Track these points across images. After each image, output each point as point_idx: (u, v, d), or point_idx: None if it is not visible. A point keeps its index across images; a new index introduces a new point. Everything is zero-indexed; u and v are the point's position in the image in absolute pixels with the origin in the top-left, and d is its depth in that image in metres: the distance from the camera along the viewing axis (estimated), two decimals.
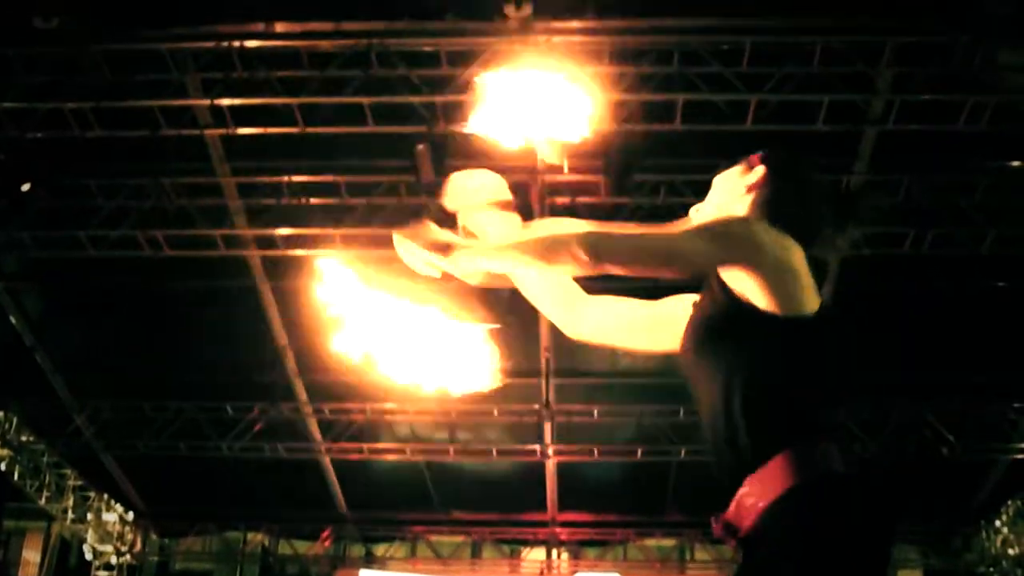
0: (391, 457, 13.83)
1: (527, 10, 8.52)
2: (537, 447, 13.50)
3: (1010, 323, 11.10)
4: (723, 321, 3.16)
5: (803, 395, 3.11)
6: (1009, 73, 8.89)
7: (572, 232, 3.23)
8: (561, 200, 10.14)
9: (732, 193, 3.35)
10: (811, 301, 3.13)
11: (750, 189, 3.30)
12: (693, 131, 9.50)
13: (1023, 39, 8.56)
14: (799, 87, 9.11)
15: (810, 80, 9.07)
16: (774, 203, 3.27)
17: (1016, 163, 9.82)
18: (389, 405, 13.21)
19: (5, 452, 13.43)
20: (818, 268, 3.34)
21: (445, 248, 3.29)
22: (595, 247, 3.15)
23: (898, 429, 12.39)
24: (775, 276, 3.08)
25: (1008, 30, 8.37)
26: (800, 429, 3.05)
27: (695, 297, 3.35)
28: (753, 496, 2.99)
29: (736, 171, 3.38)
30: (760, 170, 3.31)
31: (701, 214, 3.41)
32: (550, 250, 3.21)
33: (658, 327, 3.52)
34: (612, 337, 3.69)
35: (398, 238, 3.35)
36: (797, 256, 3.13)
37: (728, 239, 3.15)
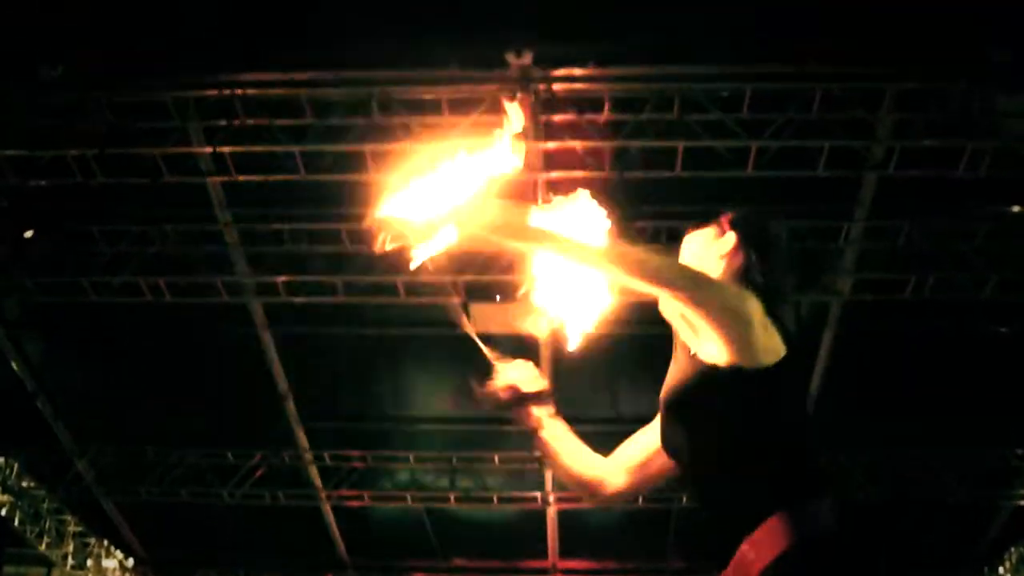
0: (392, 504, 13.81)
1: (528, 58, 8.56)
2: (538, 494, 13.47)
3: (1012, 368, 11.09)
4: (692, 387, 3.26)
5: (783, 447, 3.20)
6: (1008, 119, 8.93)
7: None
8: None
9: (705, 259, 3.48)
10: (772, 354, 3.21)
11: (722, 257, 3.40)
12: (694, 177, 9.53)
13: (1022, 86, 8.59)
14: (799, 133, 9.13)
15: (810, 126, 9.09)
16: (744, 270, 3.38)
17: (1016, 208, 9.84)
18: (390, 452, 13.21)
19: (6, 498, 13.42)
20: (797, 321, 3.43)
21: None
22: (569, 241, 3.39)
23: (900, 475, 12.36)
24: (730, 323, 3.19)
25: (1007, 77, 8.41)
26: (788, 484, 3.13)
27: None
28: (751, 555, 3.04)
29: (708, 234, 3.56)
30: (732, 238, 3.43)
31: None
32: (528, 230, 3.43)
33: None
34: (639, 486, 3.80)
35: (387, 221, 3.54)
36: (752, 305, 3.23)
37: (689, 273, 3.35)
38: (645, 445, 3.70)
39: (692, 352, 3.29)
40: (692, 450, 3.27)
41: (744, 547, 3.05)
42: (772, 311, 3.28)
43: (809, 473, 3.19)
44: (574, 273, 3.67)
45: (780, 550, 3.00)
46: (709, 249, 3.52)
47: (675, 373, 3.37)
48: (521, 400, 3.76)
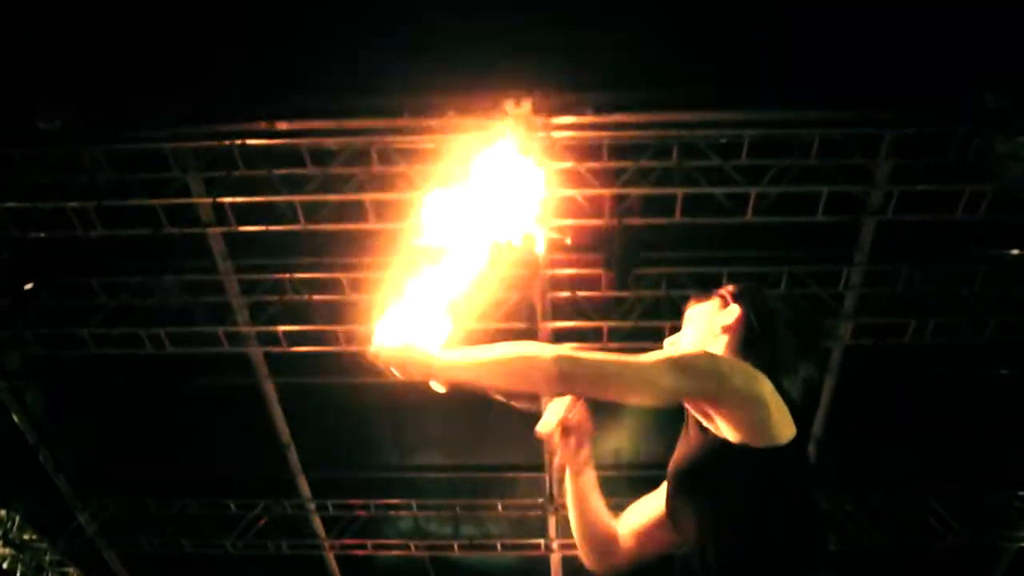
0: (396, 553, 13.76)
1: (526, 106, 8.58)
2: (541, 541, 13.42)
3: (1014, 411, 11.07)
4: (701, 462, 3.28)
5: (790, 525, 3.20)
6: (1006, 162, 8.95)
7: (542, 350, 3.32)
8: (563, 294, 10.16)
9: (708, 332, 3.49)
10: (785, 430, 3.22)
11: (725, 330, 3.41)
12: (694, 224, 9.55)
13: (1019, 131, 8.62)
14: (798, 179, 9.16)
15: (809, 172, 9.12)
16: (748, 344, 3.37)
17: (1015, 251, 9.85)
18: (393, 501, 13.18)
19: (7, 551, 13.38)
20: (805, 388, 3.43)
21: (403, 364, 3.46)
22: (564, 367, 3.25)
23: (903, 518, 12.32)
24: (743, 407, 3.20)
25: (1004, 122, 8.43)
26: (793, 561, 3.14)
27: None
28: None
29: (711, 307, 3.57)
30: (735, 311, 3.43)
31: (675, 346, 3.51)
32: (516, 365, 3.29)
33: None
34: (643, 552, 3.86)
35: (372, 352, 3.56)
36: (765, 387, 3.25)
37: (695, 372, 3.24)
38: (650, 511, 3.70)
39: (704, 426, 3.30)
40: (699, 522, 3.26)
41: None
42: (779, 386, 3.29)
43: (815, 547, 3.20)
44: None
45: None
46: (712, 321, 3.55)
47: (686, 446, 3.39)
48: (568, 432, 3.76)
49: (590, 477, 3.84)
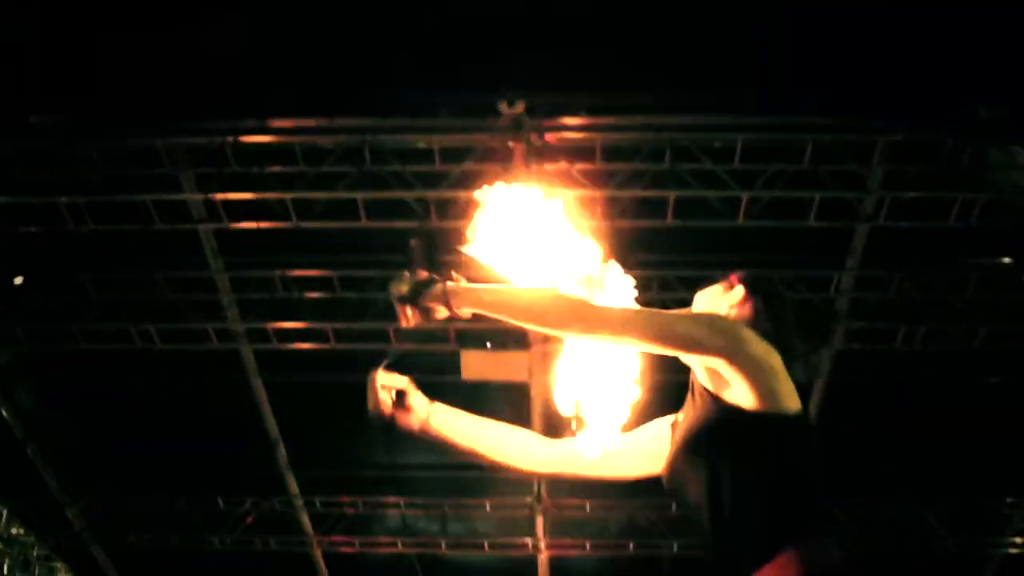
0: (383, 550, 13.75)
1: (520, 108, 8.58)
2: (529, 540, 13.42)
3: (1002, 417, 11.08)
4: (713, 426, 3.40)
5: (798, 489, 3.30)
6: (998, 170, 8.96)
7: (571, 296, 3.46)
8: None
9: (715, 310, 3.53)
10: (793, 403, 3.35)
11: (731, 307, 3.48)
12: (686, 227, 9.56)
13: (1011, 139, 8.63)
14: (790, 184, 9.17)
15: (802, 177, 9.13)
16: (753, 321, 3.45)
17: (1006, 259, 9.86)
18: (381, 499, 13.17)
19: None
20: (809, 373, 3.51)
21: (431, 290, 3.47)
22: (591, 311, 3.39)
23: (891, 524, 12.34)
24: (757, 372, 3.31)
25: (996, 131, 8.44)
26: (799, 523, 3.23)
27: (671, 419, 3.55)
28: None
29: (717, 290, 3.69)
30: (740, 291, 3.52)
31: None
32: (548, 305, 3.36)
33: (635, 453, 3.72)
34: (580, 469, 3.88)
35: (393, 284, 3.52)
36: (777, 360, 3.36)
37: (721, 329, 3.39)
38: (624, 444, 3.81)
39: (713, 395, 3.39)
40: (710, 486, 3.32)
41: None
42: (786, 365, 3.39)
43: (819, 511, 3.30)
44: (599, 362, 3.72)
45: None
46: (719, 301, 3.66)
47: (695, 414, 3.47)
48: (400, 403, 3.84)
49: (443, 411, 3.88)
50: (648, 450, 3.74)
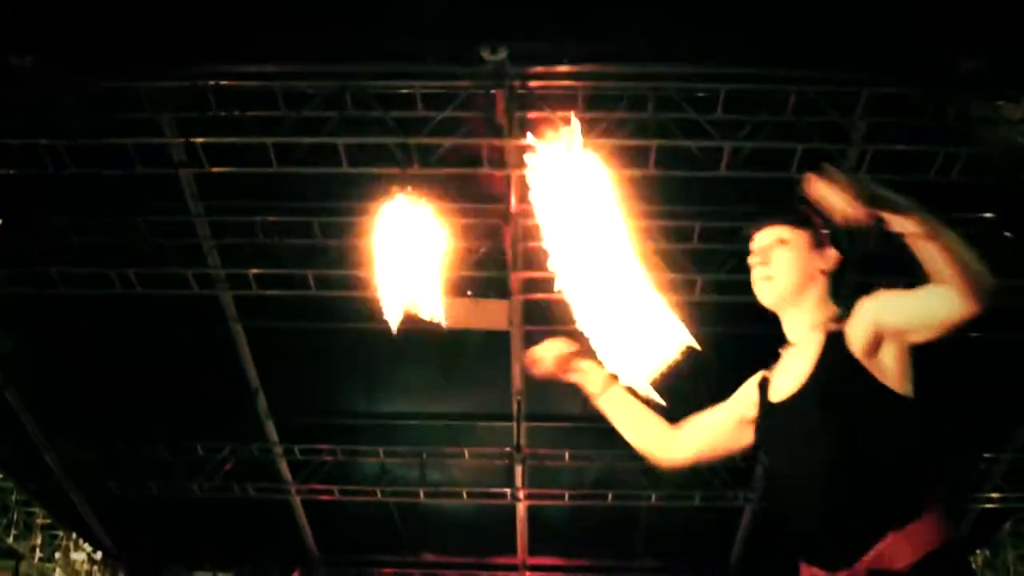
0: (362, 498, 13.78)
1: (502, 55, 8.53)
2: (507, 490, 13.47)
3: (980, 375, 11.09)
4: (859, 392, 3.33)
5: (931, 459, 3.36)
6: (981, 125, 8.94)
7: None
8: (532, 245, 10.12)
9: (806, 271, 3.53)
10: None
11: (824, 273, 3.45)
12: (667, 176, 9.54)
13: (994, 94, 8.62)
14: (773, 135, 9.15)
15: (784, 128, 9.11)
16: (836, 293, 3.51)
17: (988, 214, 9.85)
18: (360, 447, 13.19)
19: None
20: None
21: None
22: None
23: None
24: (909, 357, 3.36)
25: (979, 85, 8.41)
26: (937, 487, 3.28)
27: (755, 379, 3.64)
28: (906, 546, 3.14)
29: (804, 241, 3.54)
30: (834, 255, 3.43)
31: (775, 277, 3.53)
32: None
33: (742, 426, 3.76)
34: (706, 453, 3.95)
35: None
36: None
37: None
38: (714, 425, 3.86)
39: (858, 364, 3.33)
40: (846, 449, 3.27)
41: (890, 539, 3.13)
42: None
43: (948, 479, 3.37)
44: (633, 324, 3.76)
45: (940, 543, 3.14)
46: (811, 261, 3.55)
47: (817, 367, 3.41)
48: (569, 362, 4.03)
49: (618, 392, 3.98)
50: (742, 414, 3.75)
